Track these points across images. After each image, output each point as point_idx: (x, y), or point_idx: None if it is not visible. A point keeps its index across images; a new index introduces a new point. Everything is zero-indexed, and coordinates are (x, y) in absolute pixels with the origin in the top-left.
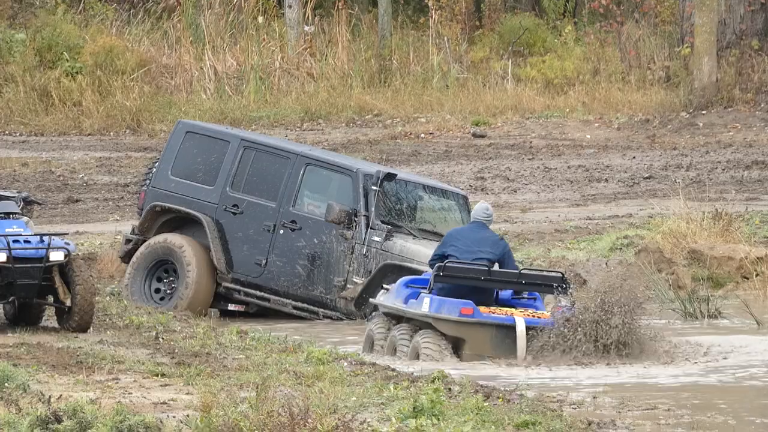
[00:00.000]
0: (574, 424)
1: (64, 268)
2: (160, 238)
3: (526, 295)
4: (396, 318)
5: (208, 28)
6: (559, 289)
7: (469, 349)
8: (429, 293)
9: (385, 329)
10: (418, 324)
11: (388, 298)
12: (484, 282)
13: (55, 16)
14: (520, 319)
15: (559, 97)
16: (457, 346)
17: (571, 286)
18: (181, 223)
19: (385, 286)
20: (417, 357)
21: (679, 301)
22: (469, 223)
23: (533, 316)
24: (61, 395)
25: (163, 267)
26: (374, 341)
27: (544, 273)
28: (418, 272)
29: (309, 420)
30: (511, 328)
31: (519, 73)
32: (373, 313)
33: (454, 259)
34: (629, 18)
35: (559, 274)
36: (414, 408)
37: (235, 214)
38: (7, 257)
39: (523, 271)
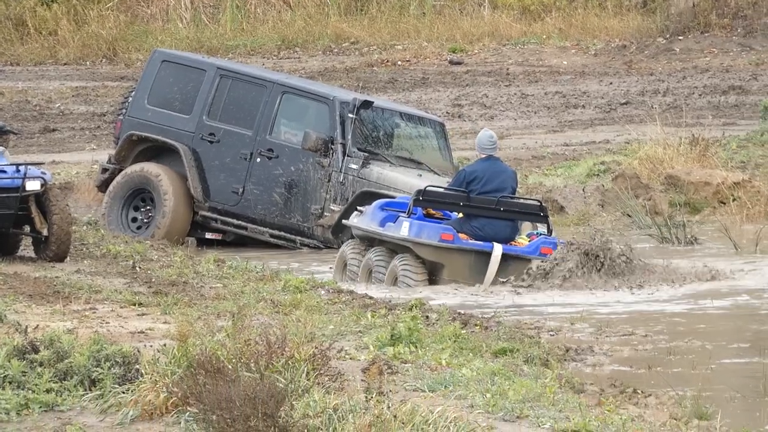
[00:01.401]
0: (552, 350)
1: (40, 197)
2: (136, 167)
3: None
4: (369, 241)
5: None
6: (537, 216)
7: (447, 274)
8: (408, 217)
9: (359, 252)
10: (394, 248)
11: (363, 220)
12: (463, 208)
13: None
14: (498, 246)
15: (536, 24)
16: (434, 271)
17: (548, 214)
18: (158, 152)
19: (359, 208)
20: (395, 281)
21: (656, 226)
22: (485, 159)
23: (511, 243)
24: (38, 325)
25: (140, 196)
26: (347, 264)
27: (522, 201)
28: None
29: (286, 348)
30: (487, 255)
31: None
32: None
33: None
34: None
35: (537, 203)
36: (392, 336)
37: (211, 142)
38: None
39: (501, 199)
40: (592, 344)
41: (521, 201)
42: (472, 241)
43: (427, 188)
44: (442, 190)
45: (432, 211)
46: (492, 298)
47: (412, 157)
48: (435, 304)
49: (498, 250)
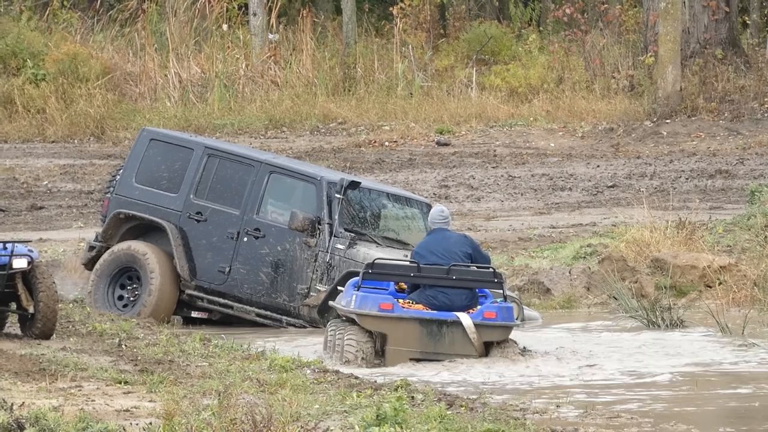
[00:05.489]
0: None
1: (27, 275)
2: (123, 245)
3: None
4: (347, 318)
5: (173, 36)
6: (491, 283)
7: (391, 343)
8: (357, 290)
9: (336, 328)
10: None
11: (340, 298)
12: (414, 279)
13: (19, 23)
14: (464, 315)
15: (524, 106)
16: (384, 343)
17: (504, 280)
18: (145, 230)
19: (339, 288)
20: (342, 354)
21: (642, 309)
22: (430, 232)
23: (469, 311)
24: (23, 402)
25: (127, 274)
26: (327, 340)
27: (475, 269)
28: None
29: (272, 428)
30: (432, 322)
31: (483, 81)
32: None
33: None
34: (594, 27)
35: (491, 270)
36: (377, 416)
37: (198, 221)
38: None
39: (452, 267)
40: (577, 426)
41: (474, 269)
42: (414, 309)
43: (376, 261)
44: (391, 262)
45: (403, 285)
46: (479, 376)
47: (398, 237)
48: (421, 384)
49: (466, 319)
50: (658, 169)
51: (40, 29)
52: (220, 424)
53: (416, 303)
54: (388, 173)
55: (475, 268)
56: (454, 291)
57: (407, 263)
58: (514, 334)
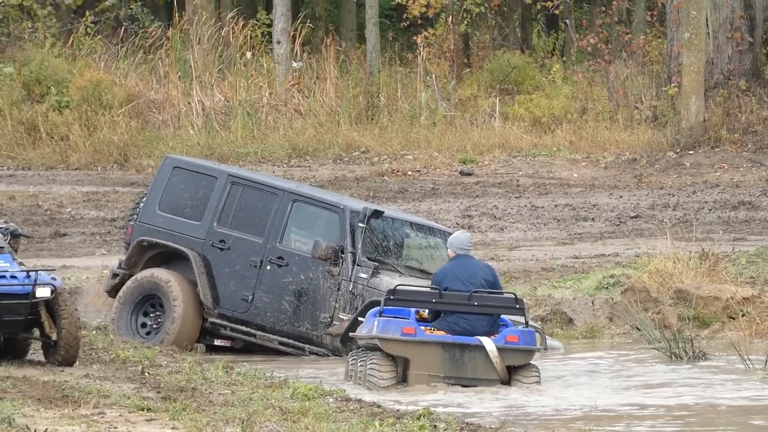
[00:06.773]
0: None
1: (50, 302)
2: (146, 272)
3: None
4: (368, 346)
5: (196, 63)
6: (513, 309)
7: (414, 368)
8: (379, 317)
9: (358, 357)
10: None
11: (360, 328)
12: (435, 305)
13: (43, 49)
14: (487, 339)
15: (547, 136)
16: (406, 368)
17: (525, 306)
18: (168, 258)
19: (361, 318)
20: (364, 380)
21: (664, 340)
22: (454, 258)
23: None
24: (46, 429)
25: (150, 302)
26: (348, 370)
27: (496, 295)
28: None
29: None
30: (455, 347)
31: (507, 111)
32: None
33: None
34: (617, 57)
35: (512, 296)
36: None
37: (222, 249)
38: None
39: (474, 294)
40: None
41: (496, 295)
42: (437, 334)
43: (398, 287)
44: (413, 288)
45: (424, 314)
46: (501, 405)
47: (421, 267)
48: (443, 413)
49: (489, 343)
50: (681, 200)
51: (64, 56)
52: None
53: (438, 329)
54: (411, 202)
55: (497, 295)
56: (475, 317)
57: (429, 290)
58: (536, 362)
